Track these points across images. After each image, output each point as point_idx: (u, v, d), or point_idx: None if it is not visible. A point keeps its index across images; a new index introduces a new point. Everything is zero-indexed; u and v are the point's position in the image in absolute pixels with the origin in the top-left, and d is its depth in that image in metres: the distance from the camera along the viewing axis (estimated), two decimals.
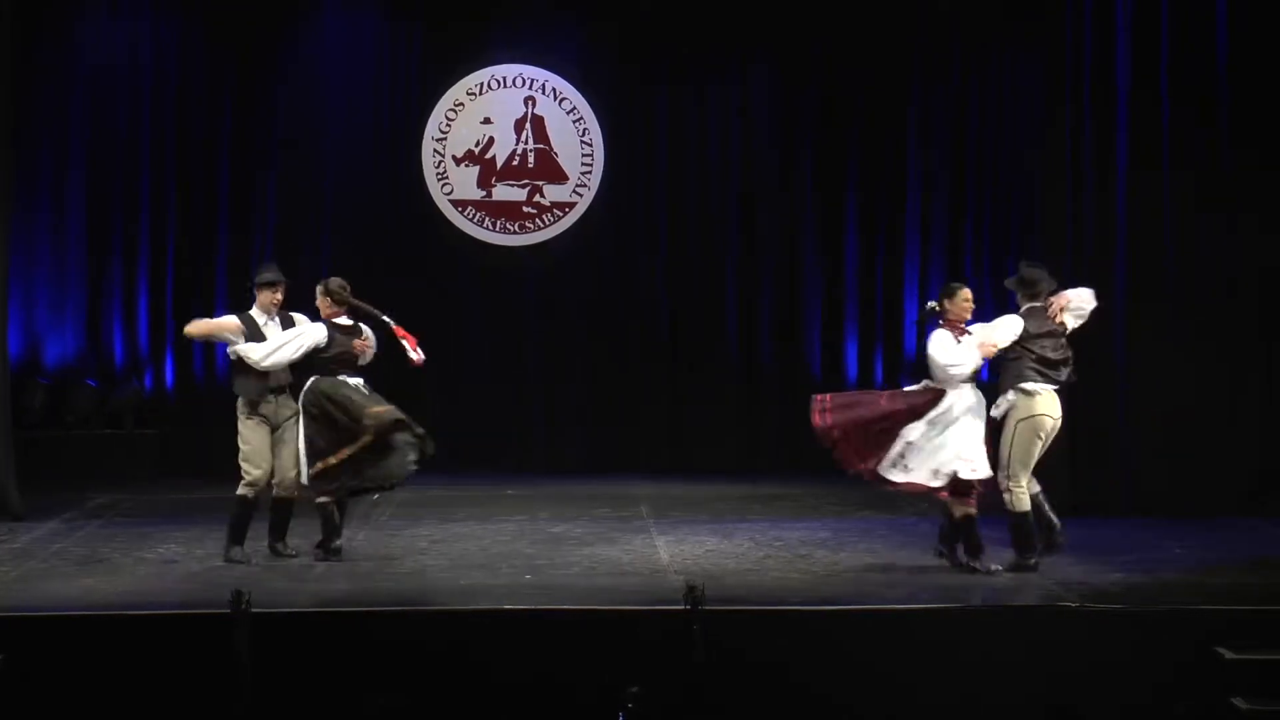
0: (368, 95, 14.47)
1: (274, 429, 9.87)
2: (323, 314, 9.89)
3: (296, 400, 9.83)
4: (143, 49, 14.25)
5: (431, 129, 14.52)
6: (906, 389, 9.62)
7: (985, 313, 9.90)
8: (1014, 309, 9.67)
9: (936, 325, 9.48)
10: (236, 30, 14.23)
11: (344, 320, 9.88)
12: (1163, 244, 11.98)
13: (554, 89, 14.56)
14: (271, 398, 9.86)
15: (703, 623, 8.05)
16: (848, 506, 12.17)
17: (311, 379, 9.78)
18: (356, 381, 9.82)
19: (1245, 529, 11.15)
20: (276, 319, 9.96)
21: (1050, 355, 9.44)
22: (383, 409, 9.69)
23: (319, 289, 9.94)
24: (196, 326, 10.34)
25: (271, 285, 9.97)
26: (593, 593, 8.95)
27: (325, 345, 9.77)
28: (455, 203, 14.54)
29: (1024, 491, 9.36)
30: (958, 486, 9.29)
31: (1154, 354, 11.92)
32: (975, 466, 9.26)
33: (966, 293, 9.52)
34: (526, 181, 14.56)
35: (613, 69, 14.59)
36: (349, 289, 9.93)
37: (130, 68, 14.24)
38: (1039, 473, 9.51)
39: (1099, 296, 9.77)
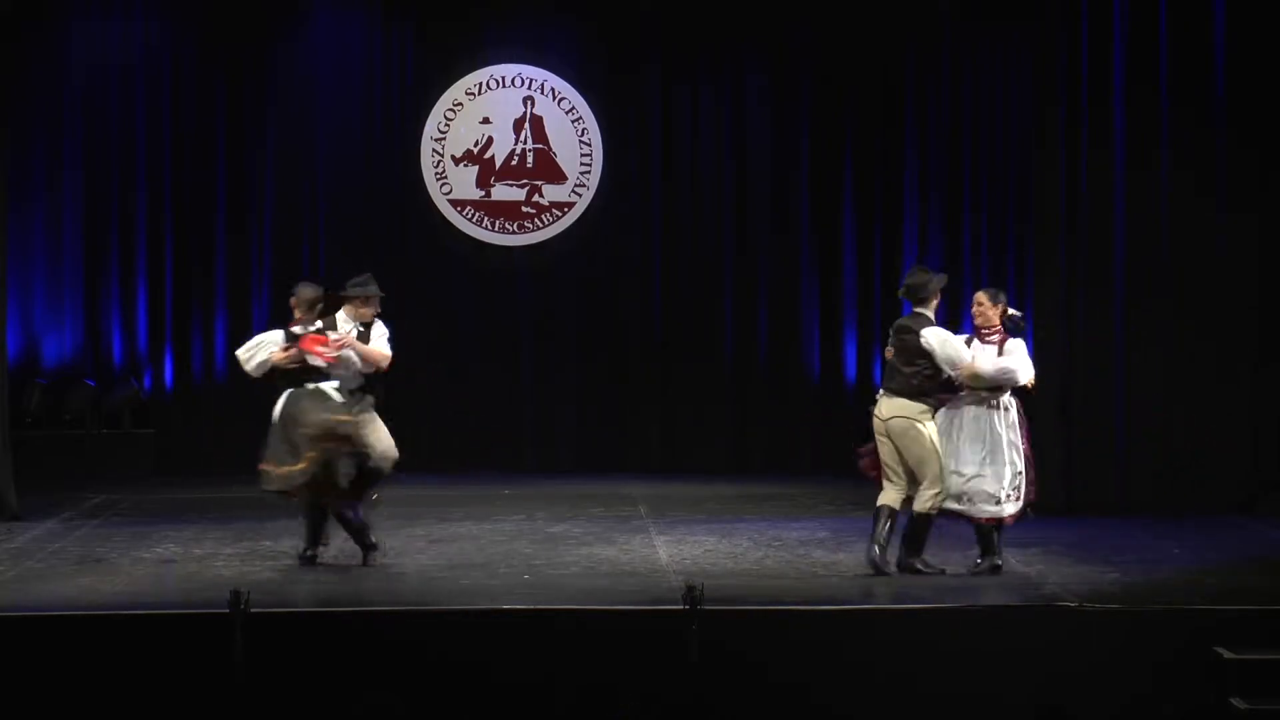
0: (365, 95, 14.44)
1: None
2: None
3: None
4: (137, 49, 14.22)
5: (430, 129, 14.50)
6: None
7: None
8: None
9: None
10: (233, 28, 14.21)
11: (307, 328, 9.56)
12: (1160, 244, 11.97)
13: (553, 89, 14.55)
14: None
15: (701, 622, 8.04)
16: (845, 506, 12.16)
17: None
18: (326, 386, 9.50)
19: (1243, 529, 11.14)
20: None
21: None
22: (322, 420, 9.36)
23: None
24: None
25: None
26: (591, 593, 8.94)
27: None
28: (454, 202, 14.52)
29: None
30: None
31: (1151, 354, 11.91)
32: None
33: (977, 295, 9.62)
34: (525, 181, 14.55)
35: (611, 69, 14.58)
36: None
37: (125, 68, 14.22)
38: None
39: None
